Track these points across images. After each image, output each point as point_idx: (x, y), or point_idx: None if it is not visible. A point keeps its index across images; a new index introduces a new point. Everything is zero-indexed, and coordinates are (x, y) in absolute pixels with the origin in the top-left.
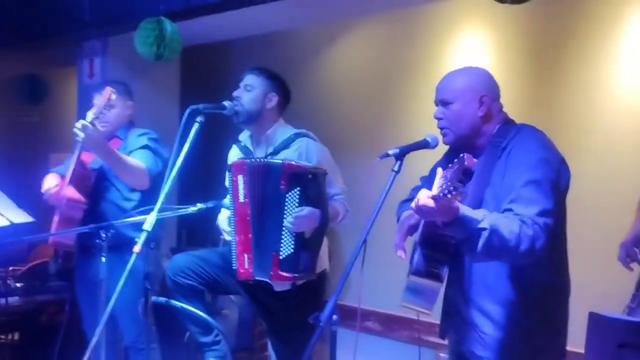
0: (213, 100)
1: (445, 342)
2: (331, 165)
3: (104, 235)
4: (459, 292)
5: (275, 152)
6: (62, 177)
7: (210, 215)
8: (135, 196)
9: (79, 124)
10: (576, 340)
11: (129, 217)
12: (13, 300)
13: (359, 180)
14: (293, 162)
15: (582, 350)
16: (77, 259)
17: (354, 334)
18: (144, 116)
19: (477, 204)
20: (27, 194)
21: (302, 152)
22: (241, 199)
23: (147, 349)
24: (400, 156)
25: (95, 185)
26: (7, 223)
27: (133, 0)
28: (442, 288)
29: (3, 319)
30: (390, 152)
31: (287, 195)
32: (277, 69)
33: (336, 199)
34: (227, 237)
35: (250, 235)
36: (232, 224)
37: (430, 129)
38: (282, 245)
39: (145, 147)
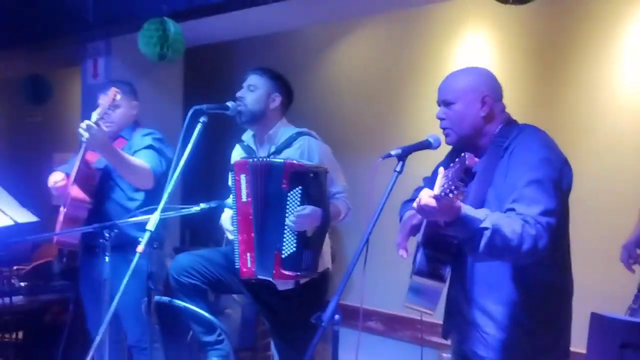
0: (216, 101)
1: (448, 342)
2: (333, 163)
3: (107, 235)
4: (461, 292)
5: (278, 151)
6: (67, 175)
7: (213, 215)
8: (140, 196)
9: (83, 124)
10: (578, 340)
11: (132, 217)
12: (17, 299)
13: (361, 180)
14: (294, 161)
15: (584, 351)
16: (81, 258)
17: (357, 333)
18: (147, 116)
19: (480, 204)
20: (31, 194)
21: (304, 150)
22: (244, 198)
23: (150, 349)
24: (402, 157)
25: (99, 185)
26: (11, 223)
27: (136, 0)
28: (444, 288)
29: (7, 318)
30: (393, 152)
31: (288, 194)
32: (280, 70)
33: (338, 197)
34: (230, 236)
35: (252, 235)
36: (235, 223)
37: (432, 129)
38: (284, 244)
39: (149, 147)
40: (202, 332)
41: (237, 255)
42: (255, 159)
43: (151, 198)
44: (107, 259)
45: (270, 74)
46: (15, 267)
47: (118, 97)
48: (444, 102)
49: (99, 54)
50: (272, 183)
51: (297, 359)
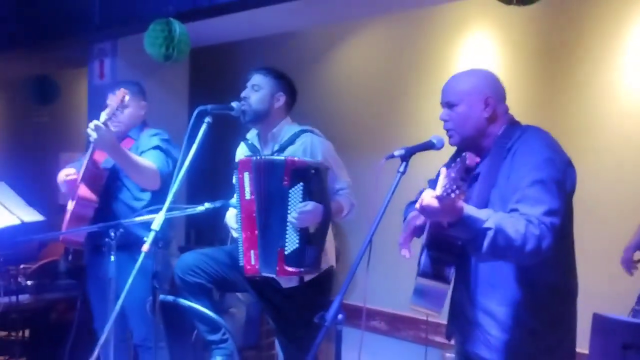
0: (221, 101)
1: (452, 342)
2: (336, 160)
3: (112, 234)
4: (464, 294)
5: (281, 149)
6: (76, 172)
7: (218, 215)
8: (146, 196)
9: (92, 125)
10: (581, 341)
11: (138, 217)
12: (23, 297)
13: (364, 180)
14: (296, 158)
15: (586, 351)
16: (88, 257)
17: (360, 333)
18: (153, 116)
19: (483, 205)
20: (37, 193)
21: (306, 147)
22: (247, 196)
23: (154, 348)
24: (405, 157)
25: (106, 185)
26: (17, 222)
27: (142, 1)
28: (449, 290)
29: (14, 316)
30: (396, 153)
31: (290, 191)
32: (283, 70)
33: (341, 193)
34: (235, 234)
35: (256, 232)
36: (239, 221)
37: (436, 129)
38: (287, 240)
39: (156, 147)
40: (206, 331)
41: (241, 253)
42: (259, 157)
43: (158, 198)
44: (112, 258)
45: (274, 74)
46: (21, 266)
47: (127, 98)
48: (447, 104)
49: (105, 54)
50: (274, 180)
51: (301, 357)
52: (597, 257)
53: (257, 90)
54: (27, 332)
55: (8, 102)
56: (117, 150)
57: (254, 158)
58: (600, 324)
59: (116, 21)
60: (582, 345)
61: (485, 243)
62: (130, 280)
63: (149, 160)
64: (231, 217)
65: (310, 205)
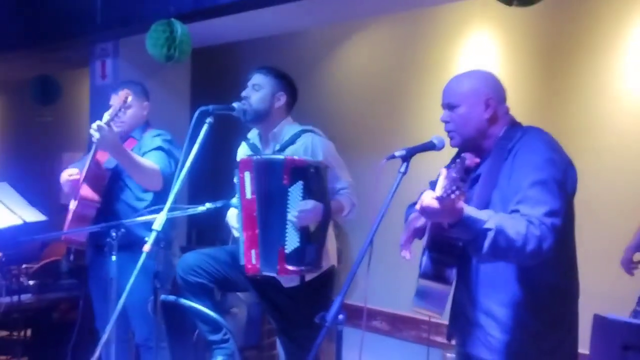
0: (223, 101)
1: (453, 343)
2: (337, 160)
3: (114, 234)
4: (465, 294)
5: (282, 149)
6: (79, 173)
7: (219, 215)
8: (148, 196)
9: (94, 125)
10: (581, 342)
11: (139, 217)
12: (26, 297)
13: (365, 181)
14: (295, 157)
15: (586, 352)
16: (90, 257)
17: (361, 333)
18: (155, 117)
19: (484, 206)
20: (40, 193)
21: (307, 147)
22: (248, 195)
23: (155, 348)
24: (406, 158)
25: (108, 185)
26: (20, 222)
27: (144, 2)
28: (451, 291)
29: (16, 316)
30: (397, 153)
31: (290, 190)
32: (285, 70)
33: (342, 193)
34: (236, 234)
35: (257, 231)
36: (240, 221)
37: (437, 130)
38: (287, 239)
39: (159, 148)
40: (208, 330)
41: (242, 252)
42: (259, 156)
43: (160, 198)
44: (114, 258)
45: (275, 73)
46: (24, 266)
47: (130, 98)
48: (447, 105)
49: (107, 55)
50: (274, 179)
51: (303, 357)
52: (597, 257)
53: (257, 90)
54: (29, 332)
55: (10, 103)
56: (119, 150)
57: (255, 157)
58: (601, 324)
59: (118, 22)
60: (583, 346)
61: (486, 244)
62: (131, 280)
63: (152, 161)
64: (232, 216)
65: (310, 203)
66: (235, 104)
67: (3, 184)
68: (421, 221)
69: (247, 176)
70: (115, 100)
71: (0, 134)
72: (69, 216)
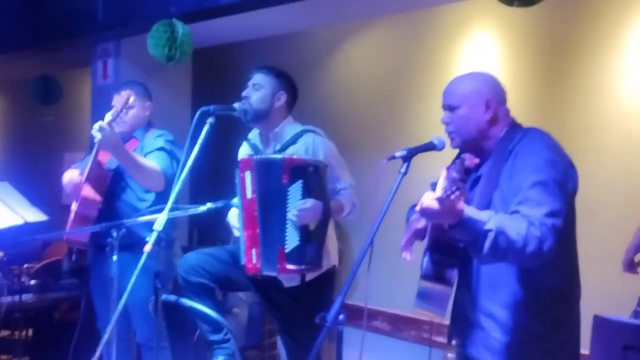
0: (224, 101)
1: (453, 343)
2: (338, 160)
3: (115, 234)
4: (466, 296)
5: (283, 149)
6: (80, 174)
7: (220, 215)
8: (150, 197)
9: (96, 126)
10: (581, 342)
11: (140, 217)
12: (27, 297)
13: (366, 181)
14: (294, 156)
15: (587, 352)
16: (91, 257)
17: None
18: (156, 117)
19: (485, 207)
20: (41, 192)
21: (308, 147)
22: (249, 195)
23: (157, 348)
24: (407, 158)
25: (110, 185)
26: (21, 221)
27: (145, 2)
28: (452, 292)
29: (17, 315)
30: (397, 154)
31: (289, 189)
32: (287, 71)
33: (342, 193)
34: (237, 233)
35: (257, 231)
36: (241, 220)
37: (438, 131)
38: (287, 238)
39: (161, 149)
40: (209, 330)
41: (242, 252)
42: (260, 156)
43: (161, 199)
44: (115, 258)
45: (275, 73)
46: (25, 265)
47: (132, 98)
48: (448, 107)
49: (109, 55)
50: (274, 178)
51: (304, 356)
52: (598, 257)
53: (258, 90)
54: (30, 332)
55: (12, 103)
56: (121, 151)
57: (255, 157)
58: (601, 325)
59: (119, 22)
60: (583, 346)
61: (486, 245)
62: (132, 280)
63: (154, 162)
64: (233, 216)
65: (309, 202)
66: (236, 104)
67: (4, 184)
68: (422, 223)
69: (248, 176)
70: (118, 100)
71: (1, 134)
72: (71, 216)
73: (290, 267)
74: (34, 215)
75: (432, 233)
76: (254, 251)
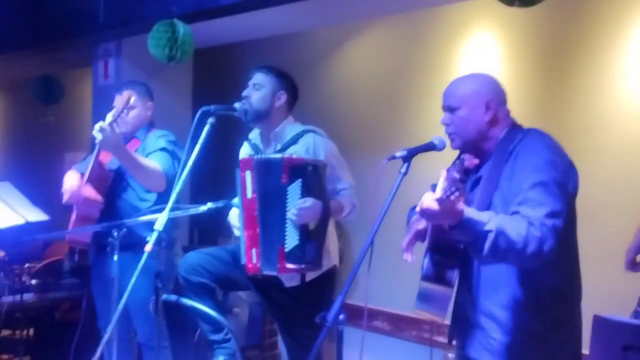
0: (225, 101)
1: (454, 343)
2: (339, 160)
3: (115, 233)
4: (467, 296)
5: (284, 149)
6: (82, 175)
7: (221, 214)
8: (151, 197)
9: (97, 126)
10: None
11: (141, 216)
12: (28, 296)
13: (366, 181)
14: (293, 156)
15: (587, 353)
16: (93, 257)
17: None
18: (157, 117)
19: (486, 209)
20: (42, 192)
21: (309, 147)
22: (249, 194)
23: (157, 347)
24: (407, 158)
25: (112, 185)
26: (22, 221)
27: (146, 2)
28: (453, 293)
29: (18, 315)
30: (398, 154)
31: (288, 188)
32: (288, 71)
33: (342, 193)
34: (237, 233)
35: (257, 230)
36: (241, 220)
37: (439, 131)
38: (287, 237)
39: (163, 149)
40: (209, 330)
41: (243, 252)
42: (259, 156)
43: (163, 199)
44: (115, 257)
45: (276, 72)
46: (26, 265)
47: (133, 99)
48: (448, 108)
49: (110, 55)
50: (273, 178)
51: (305, 356)
52: (598, 257)
53: (258, 89)
54: (31, 331)
55: (13, 102)
56: (122, 151)
57: (255, 157)
58: (601, 325)
59: (121, 22)
60: (583, 347)
61: (487, 245)
62: (133, 280)
63: (155, 162)
64: (234, 216)
65: (309, 201)
66: (236, 104)
67: (5, 184)
68: (422, 224)
69: (248, 176)
70: (119, 100)
71: (2, 134)
72: (73, 217)
73: (290, 266)
74: (35, 215)
75: (432, 234)
76: (254, 251)
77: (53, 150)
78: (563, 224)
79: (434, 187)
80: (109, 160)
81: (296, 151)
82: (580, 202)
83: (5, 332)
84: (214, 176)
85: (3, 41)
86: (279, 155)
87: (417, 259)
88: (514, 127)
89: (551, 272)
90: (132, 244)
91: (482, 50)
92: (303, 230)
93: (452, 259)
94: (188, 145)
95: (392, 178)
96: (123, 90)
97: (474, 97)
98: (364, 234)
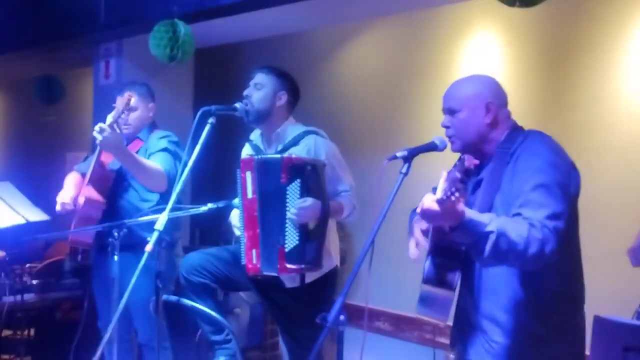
0: (226, 101)
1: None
2: (340, 162)
3: (116, 234)
4: (469, 300)
5: (285, 150)
6: (83, 175)
7: (222, 215)
8: (153, 197)
9: (97, 127)
10: None
11: (141, 217)
12: (29, 297)
13: (368, 181)
14: (292, 156)
15: (587, 353)
16: (94, 257)
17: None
18: (158, 117)
19: (487, 211)
20: (43, 192)
21: (310, 149)
22: (249, 195)
23: (158, 347)
24: (408, 158)
25: (113, 186)
26: (23, 221)
27: (148, 2)
28: (454, 297)
29: (19, 315)
30: (398, 154)
31: (288, 188)
32: (289, 71)
33: (343, 195)
34: (237, 233)
35: (258, 231)
36: (242, 220)
37: (440, 131)
38: (286, 237)
39: (164, 150)
40: (210, 331)
41: (243, 252)
42: (260, 156)
43: (165, 199)
44: (116, 257)
45: (277, 72)
46: (27, 265)
47: (133, 100)
48: (448, 110)
49: (111, 55)
50: (273, 178)
51: (306, 357)
52: (599, 258)
53: (259, 89)
54: (32, 331)
55: (14, 102)
56: (123, 152)
57: (256, 157)
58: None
59: (122, 21)
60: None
61: (488, 247)
62: (133, 280)
63: (157, 163)
64: (235, 216)
65: (308, 201)
66: (237, 105)
67: (6, 184)
68: (424, 224)
69: (249, 176)
70: (120, 101)
71: (3, 134)
72: (75, 218)
73: (290, 266)
74: (36, 215)
75: (433, 237)
76: (254, 251)
77: (54, 150)
78: (565, 226)
79: (435, 190)
80: (111, 160)
81: (297, 152)
82: (582, 202)
83: (7, 332)
84: (214, 176)
85: (4, 41)
86: (278, 155)
87: (419, 258)
88: (515, 129)
89: (553, 274)
90: (133, 244)
91: (483, 50)
92: (303, 230)
93: (453, 262)
94: (189, 145)
95: (393, 178)
96: (124, 91)
97: (474, 100)
98: (366, 235)
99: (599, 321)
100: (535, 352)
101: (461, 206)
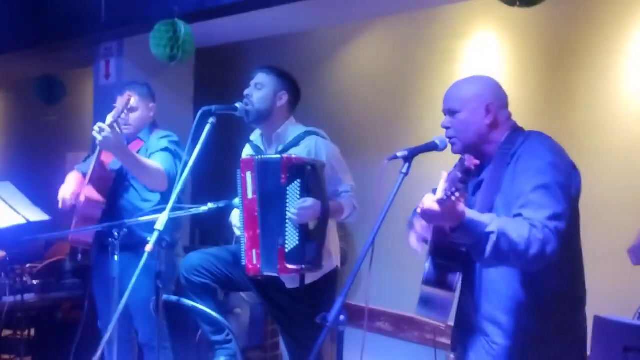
0: (226, 101)
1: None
2: (340, 163)
3: (116, 233)
4: (470, 301)
5: (285, 150)
6: (84, 175)
7: (223, 215)
8: (154, 197)
9: (97, 127)
10: None
11: (141, 217)
12: (29, 296)
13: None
14: (292, 155)
15: (588, 353)
16: (94, 257)
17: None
18: (158, 116)
19: (488, 211)
20: (43, 192)
21: (311, 149)
22: (250, 195)
23: (158, 347)
24: (408, 158)
25: (114, 186)
26: (23, 221)
27: (148, 2)
28: (455, 298)
29: (19, 315)
30: (399, 154)
31: (288, 188)
32: (290, 71)
33: (343, 195)
34: (238, 233)
35: (258, 231)
36: (242, 221)
37: (441, 131)
38: (287, 237)
39: (165, 149)
40: (211, 331)
41: (243, 252)
42: (260, 157)
43: (166, 199)
44: (116, 257)
45: (277, 72)
46: (27, 265)
47: (133, 100)
48: (448, 111)
49: (111, 54)
50: (273, 178)
51: (306, 357)
52: (600, 258)
53: (260, 89)
54: (32, 331)
55: (15, 102)
56: (123, 152)
57: (256, 158)
58: (602, 326)
59: (122, 21)
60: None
61: (488, 247)
62: (133, 280)
63: (158, 162)
64: (235, 216)
65: (309, 201)
66: (237, 104)
67: (6, 183)
68: (424, 224)
69: (249, 176)
70: (121, 101)
71: (4, 133)
72: (75, 217)
73: (290, 266)
74: (36, 215)
75: (434, 238)
76: (254, 252)
77: (54, 150)
78: (566, 227)
79: (435, 191)
80: (111, 160)
81: (298, 153)
82: (583, 202)
83: (7, 332)
84: (215, 176)
85: (4, 41)
86: (278, 156)
87: (419, 257)
88: (515, 130)
89: (554, 275)
90: (133, 244)
91: (484, 50)
92: (303, 230)
93: (454, 263)
94: (189, 145)
95: (393, 178)
96: (124, 91)
97: (474, 101)
98: (367, 235)
99: (599, 321)
100: (536, 353)
101: (461, 206)
